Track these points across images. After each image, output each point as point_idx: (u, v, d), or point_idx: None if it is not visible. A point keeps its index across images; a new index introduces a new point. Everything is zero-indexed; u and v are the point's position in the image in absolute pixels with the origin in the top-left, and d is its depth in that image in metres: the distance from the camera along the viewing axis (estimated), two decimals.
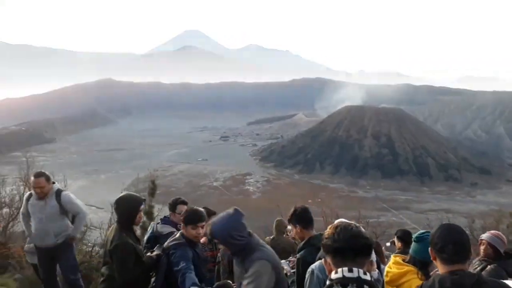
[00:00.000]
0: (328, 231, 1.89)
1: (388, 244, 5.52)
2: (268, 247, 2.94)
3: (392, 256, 3.20)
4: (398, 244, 5.11)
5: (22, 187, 8.00)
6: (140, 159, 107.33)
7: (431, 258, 2.17)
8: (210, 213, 5.16)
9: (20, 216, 5.26)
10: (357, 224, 1.94)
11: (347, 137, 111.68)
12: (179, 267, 3.19)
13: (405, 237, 5.01)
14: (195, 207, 3.68)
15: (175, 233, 3.64)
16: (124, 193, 3.78)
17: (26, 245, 5.32)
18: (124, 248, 3.39)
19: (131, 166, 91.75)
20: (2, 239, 7.42)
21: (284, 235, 6.23)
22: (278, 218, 6.48)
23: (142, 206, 3.67)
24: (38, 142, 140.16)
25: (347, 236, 1.81)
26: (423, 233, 2.95)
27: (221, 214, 2.93)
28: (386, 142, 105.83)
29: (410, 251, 3.00)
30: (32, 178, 4.91)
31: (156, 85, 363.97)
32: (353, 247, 1.79)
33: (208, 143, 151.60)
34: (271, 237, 6.13)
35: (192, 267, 3.22)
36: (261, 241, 2.93)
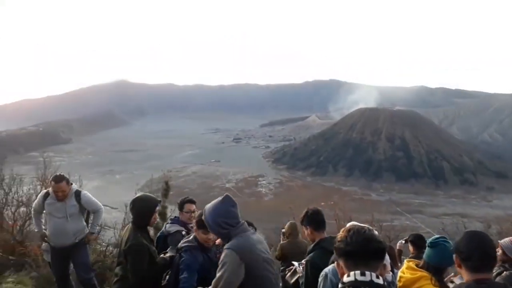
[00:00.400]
0: (340, 234, 1.87)
1: (402, 241, 5.46)
2: (251, 235, 2.88)
3: (405, 261, 3.16)
4: (411, 248, 5.05)
5: (39, 187, 8.14)
6: (154, 160, 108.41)
7: (456, 266, 2.14)
8: None
9: (32, 212, 5.34)
10: (370, 228, 1.93)
11: (361, 139, 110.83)
12: (181, 276, 3.23)
13: (418, 241, 4.95)
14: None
15: (190, 235, 3.64)
16: (140, 193, 3.81)
17: (44, 244, 5.41)
18: (139, 248, 3.42)
19: (145, 166, 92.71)
20: (19, 237, 7.57)
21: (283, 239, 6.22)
22: (291, 221, 6.47)
23: (158, 207, 3.70)
24: (55, 142, 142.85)
25: (359, 239, 1.78)
26: (437, 238, 2.90)
27: (213, 201, 2.98)
28: (401, 145, 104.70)
29: (424, 256, 2.95)
30: (53, 183, 4.92)
31: (170, 86, 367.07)
32: (365, 250, 1.76)
33: (221, 144, 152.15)
34: (287, 240, 6.12)
35: (194, 278, 3.22)
36: (247, 230, 2.89)
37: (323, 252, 3.32)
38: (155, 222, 3.81)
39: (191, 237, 3.51)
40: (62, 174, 5.06)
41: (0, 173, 8.18)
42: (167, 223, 4.62)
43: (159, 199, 3.83)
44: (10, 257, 7.06)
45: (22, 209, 8.16)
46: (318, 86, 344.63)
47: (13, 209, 8.05)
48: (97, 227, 5.17)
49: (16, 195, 8.18)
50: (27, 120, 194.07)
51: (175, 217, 4.71)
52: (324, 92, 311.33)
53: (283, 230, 6.42)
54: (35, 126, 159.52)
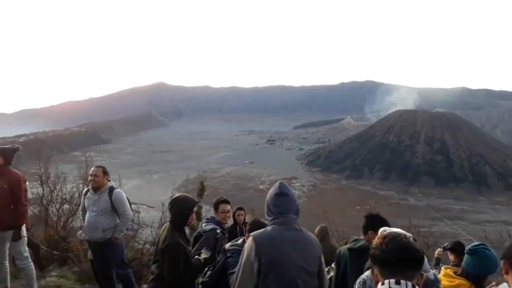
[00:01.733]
0: (376, 241, 1.79)
1: (441, 249, 5.28)
2: (285, 232, 2.62)
3: (442, 268, 3.06)
4: (451, 256, 4.88)
5: (81, 185, 8.51)
6: (190, 160, 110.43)
7: (503, 272, 2.05)
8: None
9: (80, 212, 5.61)
10: (407, 235, 1.85)
11: (398, 142, 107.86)
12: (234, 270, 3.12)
13: (458, 248, 4.77)
14: (260, 219, 3.60)
15: (238, 238, 3.61)
16: (179, 194, 3.89)
17: (79, 232, 5.64)
18: (176, 248, 3.48)
19: (182, 167, 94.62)
20: (62, 233, 7.92)
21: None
22: (322, 224, 6.43)
23: (195, 208, 3.76)
24: (96, 142, 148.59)
25: (395, 247, 1.70)
26: (477, 245, 2.78)
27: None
28: (440, 148, 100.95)
29: (463, 263, 2.84)
30: (92, 167, 5.25)
31: (206, 88, 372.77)
32: (401, 258, 1.68)
33: (255, 146, 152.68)
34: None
35: None
36: (286, 225, 2.65)
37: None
38: (192, 222, 3.86)
39: (240, 241, 3.48)
40: (104, 166, 5.32)
41: (46, 172, 8.56)
42: (203, 223, 4.72)
43: (197, 200, 3.91)
44: (54, 252, 7.40)
45: (66, 206, 8.55)
46: (354, 87, 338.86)
47: (57, 206, 8.45)
48: (122, 233, 5.19)
49: (60, 193, 8.57)
50: (71, 121, 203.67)
51: (211, 217, 4.80)
52: (359, 93, 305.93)
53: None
54: (78, 127, 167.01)
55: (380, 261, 1.72)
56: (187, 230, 4.39)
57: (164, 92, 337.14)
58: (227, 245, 3.50)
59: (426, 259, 2.44)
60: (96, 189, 5.12)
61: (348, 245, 3.75)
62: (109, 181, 5.33)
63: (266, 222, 3.27)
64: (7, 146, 5.16)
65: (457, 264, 4.04)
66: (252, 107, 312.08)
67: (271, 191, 2.83)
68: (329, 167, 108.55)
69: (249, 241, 2.61)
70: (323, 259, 2.76)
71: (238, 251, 3.30)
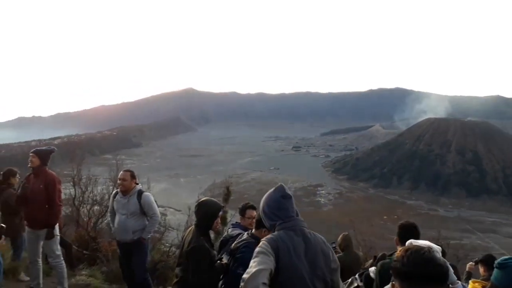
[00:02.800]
0: (398, 253, 1.72)
1: (472, 262, 5.10)
2: (296, 236, 2.46)
3: (470, 282, 2.96)
4: (481, 269, 4.72)
5: (111, 187, 8.73)
6: (217, 165, 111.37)
7: None
8: None
9: (108, 214, 5.78)
10: (434, 248, 1.77)
11: (428, 151, 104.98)
12: (239, 271, 3.06)
13: (488, 261, 4.60)
14: None
15: (243, 233, 3.67)
16: (205, 198, 3.95)
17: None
18: (201, 251, 3.51)
19: (208, 171, 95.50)
20: (93, 233, 8.15)
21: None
22: (344, 233, 6.37)
23: (221, 213, 3.82)
24: (127, 146, 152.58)
25: (417, 260, 1.61)
26: (507, 259, 2.65)
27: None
28: (472, 158, 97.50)
29: (492, 278, 2.72)
30: (121, 171, 5.40)
31: (233, 94, 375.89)
32: (423, 273, 1.59)
33: (280, 152, 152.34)
34: (343, 253, 6.01)
35: None
36: (296, 229, 2.50)
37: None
38: (218, 226, 3.87)
39: (245, 235, 3.49)
40: (131, 169, 5.44)
41: (79, 173, 8.84)
42: (229, 228, 4.76)
43: (222, 204, 3.95)
44: (84, 252, 7.62)
45: (96, 207, 8.80)
46: (383, 94, 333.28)
47: (88, 207, 8.70)
48: (150, 234, 5.27)
49: (91, 194, 8.81)
50: (103, 125, 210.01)
51: (236, 222, 4.83)
52: (389, 101, 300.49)
53: (334, 245, 6.33)
54: (110, 130, 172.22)
55: (400, 274, 1.65)
56: (212, 235, 4.44)
57: (193, 97, 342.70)
58: (233, 245, 3.47)
59: (452, 271, 2.35)
60: (125, 192, 5.24)
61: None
62: (137, 184, 5.46)
63: None
64: (43, 147, 5.40)
65: (487, 279, 3.89)
66: (279, 113, 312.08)
67: (273, 194, 2.64)
68: (356, 175, 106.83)
69: (263, 243, 2.41)
70: (334, 259, 2.58)
71: (249, 243, 3.25)
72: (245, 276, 2.23)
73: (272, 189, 2.69)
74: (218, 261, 3.66)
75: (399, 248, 1.81)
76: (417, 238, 3.41)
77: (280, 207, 2.58)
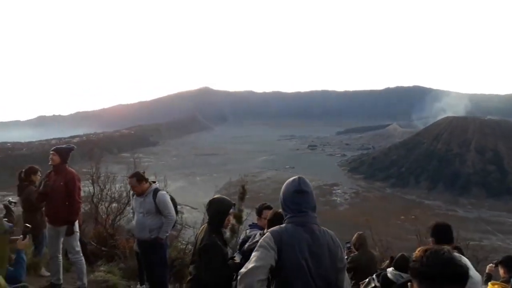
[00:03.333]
0: (416, 253, 1.70)
1: (492, 264, 4.99)
2: (304, 233, 2.43)
3: (489, 283, 2.91)
4: (501, 271, 4.62)
5: (128, 185, 8.86)
6: (233, 164, 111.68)
7: None
8: None
9: (131, 211, 5.89)
10: (451, 249, 1.73)
11: (447, 150, 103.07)
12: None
13: (509, 263, 4.48)
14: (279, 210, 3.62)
15: (255, 234, 3.70)
16: (216, 195, 3.97)
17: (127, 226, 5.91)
18: (212, 248, 3.53)
19: (224, 170, 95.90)
20: (111, 230, 8.30)
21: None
22: (359, 232, 6.34)
23: (232, 210, 3.81)
24: (144, 144, 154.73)
25: (437, 261, 1.59)
26: None
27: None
28: (493, 158, 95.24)
29: None
30: (128, 178, 5.55)
31: (249, 93, 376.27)
32: (442, 274, 1.57)
33: (296, 151, 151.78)
34: (357, 252, 5.98)
35: None
36: (305, 225, 2.48)
37: None
38: (229, 224, 3.91)
39: (257, 235, 3.53)
40: (137, 171, 5.51)
41: (97, 171, 9.00)
42: (247, 229, 4.78)
43: (234, 202, 3.97)
44: (103, 248, 7.76)
45: (114, 204, 8.94)
46: (400, 92, 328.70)
47: (106, 205, 8.85)
48: (167, 233, 5.31)
49: (109, 192, 8.97)
50: (121, 124, 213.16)
51: (253, 223, 4.85)
52: (406, 99, 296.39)
53: (349, 244, 6.30)
54: (128, 129, 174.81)
55: (419, 275, 1.63)
56: (227, 233, 4.47)
57: (209, 96, 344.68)
58: (246, 246, 3.55)
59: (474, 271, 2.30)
60: (140, 194, 5.34)
61: None
62: (154, 182, 5.53)
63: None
64: (63, 146, 5.52)
65: (507, 280, 3.82)
66: (294, 112, 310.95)
67: (289, 187, 2.62)
68: (373, 174, 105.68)
69: (267, 236, 2.43)
70: (342, 258, 2.54)
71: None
72: (242, 270, 2.27)
73: (291, 179, 2.66)
74: (231, 260, 3.67)
75: (418, 249, 1.78)
76: (451, 239, 3.36)
77: (294, 201, 2.56)
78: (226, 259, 3.59)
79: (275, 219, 3.48)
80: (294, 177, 2.66)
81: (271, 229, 2.51)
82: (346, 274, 2.61)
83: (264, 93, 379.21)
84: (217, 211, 3.70)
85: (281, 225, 2.52)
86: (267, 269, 2.28)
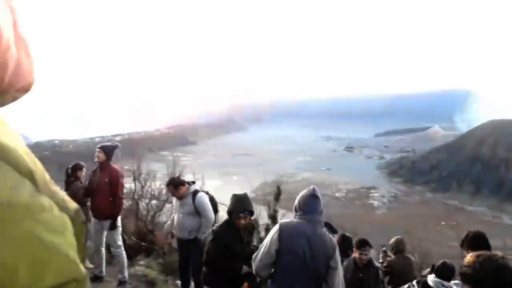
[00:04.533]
0: (469, 258, 1.67)
1: None
2: (302, 228, 3.02)
3: None
4: None
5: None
6: (268, 164, 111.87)
7: None
8: (332, 231, 5.45)
9: (173, 210, 6.07)
10: (504, 256, 1.71)
11: (492, 155, 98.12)
12: None
13: None
14: (349, 235, 4.25)
15: None
16: (242, 192, 4.13)
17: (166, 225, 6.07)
18: (214, 236, 3.89)
19: (260, 170, 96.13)
20: (150, 226, 8.57)
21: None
22: (398, 236, 6.23)
23: (243, 215, 3.91)
24: (183, 143, 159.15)
25: (491, 267, 1.55)
26: None
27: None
28: None
29: None
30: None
31: (287, 95, 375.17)
32: (497, 280, 1.52)
33: (332, 153, 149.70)
34: (395, 256, 5.87)
35: None
36: (308, 223, 3.05)
37: None
38: (239, 225, 3.97)
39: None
40: (172, 178, 5.62)
41: (138, 169, 9.31)
42: None
43: (247, 208, 4.01)
44: (142, 244, 8.03)
45: (154, 201, 9.21)
46: (443, 94, 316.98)
47: (146, 201, 9.14)
48: (205, 235, 5.39)
49: (149, 189, 9.26)
50: (161, 122, 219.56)
51: None
52: (449, 101, 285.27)
53: (384, 248, 6.21)
54: (168, 129, 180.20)
55: (472, 281, 1.60)
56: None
57: (247, 97, 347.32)
58: None
59: None
60: (180, 197, 5.48)
61: None
62: (194, 182, 5.65)
63: (351, 236, 3.64)
64: (108, 144, 5.76)
65: None
66: (332, 113, 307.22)
67: (305, 192, 3.20)
68: (412, 178, 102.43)
69: (274, 227, 3.11)
70: (335, 259, 2.99)
71: None
72: (254, 255, 3.04)
73: (306, 190, 3.25)
74: (240, 245, 3.94)
75: (470, 254, 1.76)
76: (488, 248, 3.25)
77: (306, 203, 3.12)
78: (229, 250, 3.81)
79: (343, 243, 4.57)
80: (310, 186, 3.28)
81: (279, 221, 3.23)
82: (341, 274, 3.06)
83: (302, 95, 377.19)
84: (232, 205, 3.93)
85: (291, 219, 3.17)
86: (273, 254, 2.97)
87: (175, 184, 5.43)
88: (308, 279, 2.93)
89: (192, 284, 5.69)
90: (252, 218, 4.19)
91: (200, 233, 5.36)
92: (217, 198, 5.97)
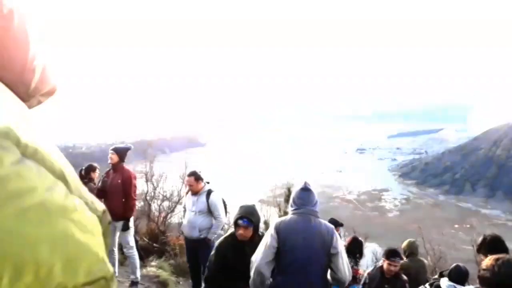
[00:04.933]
0: (487, 262, 1.66)
1: None
2: (297, 222, 3.10)
3: None
4: None
5: (180, 184, 9.19)
6: (279, 166, 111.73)
7: None
8: (337, 224, 5.73)
9: (183, 209, 6.11)
10: None
11: (507, 157, 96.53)
12: None
13: None
14: (358, 237, 4.28)
15: None
16: (250, 204, 3.97)
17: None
18: (216, 247, 3.87)
19: (271, 172, 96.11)
20: (162, 227, 8.63)
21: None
22: (410, 239, 6.19)
23: (242, 223, 3.67)
24: (194, 145, 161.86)
25: (510, 271, 1.54)
26: None
27: None
28: None
29: None
30: (186, 176, 5.68)
31: (296, 95, 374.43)
32: None
33: (343, 154, 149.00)
34: (407, 259, 5.82)
35: None
36: (300, 216, 3.13)
37: None
38: (239, 236, 3.72)
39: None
40: (195, 170, 5.63)
41: (151, 170, 9.39)
42: None
43: (277, 204, 4.04)
44: (154, 244, 8.09)
45: (166, 203, 9.29)
46: (456, 95, 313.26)
47: (158, 202, 9.22)
48: (215, 235, 5.35)
49: (161, 190, 9.33)
50: (171, 125, 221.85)
51: None
52: (462, 102, 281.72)
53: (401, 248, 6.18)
54: (179, 131, 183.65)
55: (490, 284, 1.59)
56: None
57: (257, 102, 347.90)
58: None
59: None
60: (195, 192, 5.51)
61: None
62: (208, 182, 5.69)
63: (361, 239, 3.71)
64: (121, 145, 5.83)
65: None
66: (342, 114, 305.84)
67: (297, 186, 3.31)
68: (425, 180, 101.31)
69: (271, 226, 3.19)
70: (334, 245, 3.04)
71: None
72: (253, 257, 3.07)
73: (298, 184, 3.36)
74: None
75: (488, 257, 1.75)
76: (506, 251, 3.20)
77: (299, 197, 3.22)
78: (229, 261, 3.69)
79: (352, 245, 4.97)
80: (302, 181, 3.37)
81: (276, 219, 3.33)
82: (345, 259, 3.11)
83: (315, 95, 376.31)
84: (236, 215, 3.77)
85: (286, 216, 3.26)
86: (273, 251, 3.02)
87: (197, 176, 5.47)
88: (311, 271, 2.99)
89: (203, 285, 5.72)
90: (260, 232, 3.83)
91: (211, 234, 5.39)
92: (227, 200, 6.00)
